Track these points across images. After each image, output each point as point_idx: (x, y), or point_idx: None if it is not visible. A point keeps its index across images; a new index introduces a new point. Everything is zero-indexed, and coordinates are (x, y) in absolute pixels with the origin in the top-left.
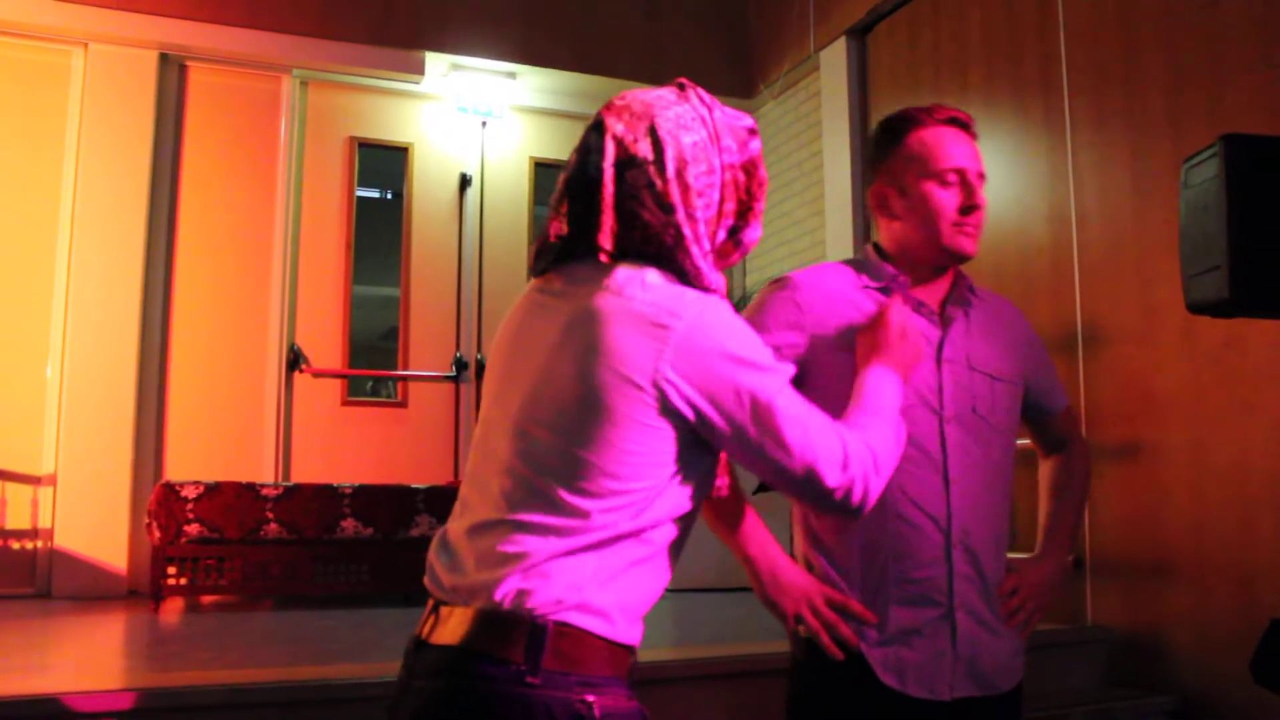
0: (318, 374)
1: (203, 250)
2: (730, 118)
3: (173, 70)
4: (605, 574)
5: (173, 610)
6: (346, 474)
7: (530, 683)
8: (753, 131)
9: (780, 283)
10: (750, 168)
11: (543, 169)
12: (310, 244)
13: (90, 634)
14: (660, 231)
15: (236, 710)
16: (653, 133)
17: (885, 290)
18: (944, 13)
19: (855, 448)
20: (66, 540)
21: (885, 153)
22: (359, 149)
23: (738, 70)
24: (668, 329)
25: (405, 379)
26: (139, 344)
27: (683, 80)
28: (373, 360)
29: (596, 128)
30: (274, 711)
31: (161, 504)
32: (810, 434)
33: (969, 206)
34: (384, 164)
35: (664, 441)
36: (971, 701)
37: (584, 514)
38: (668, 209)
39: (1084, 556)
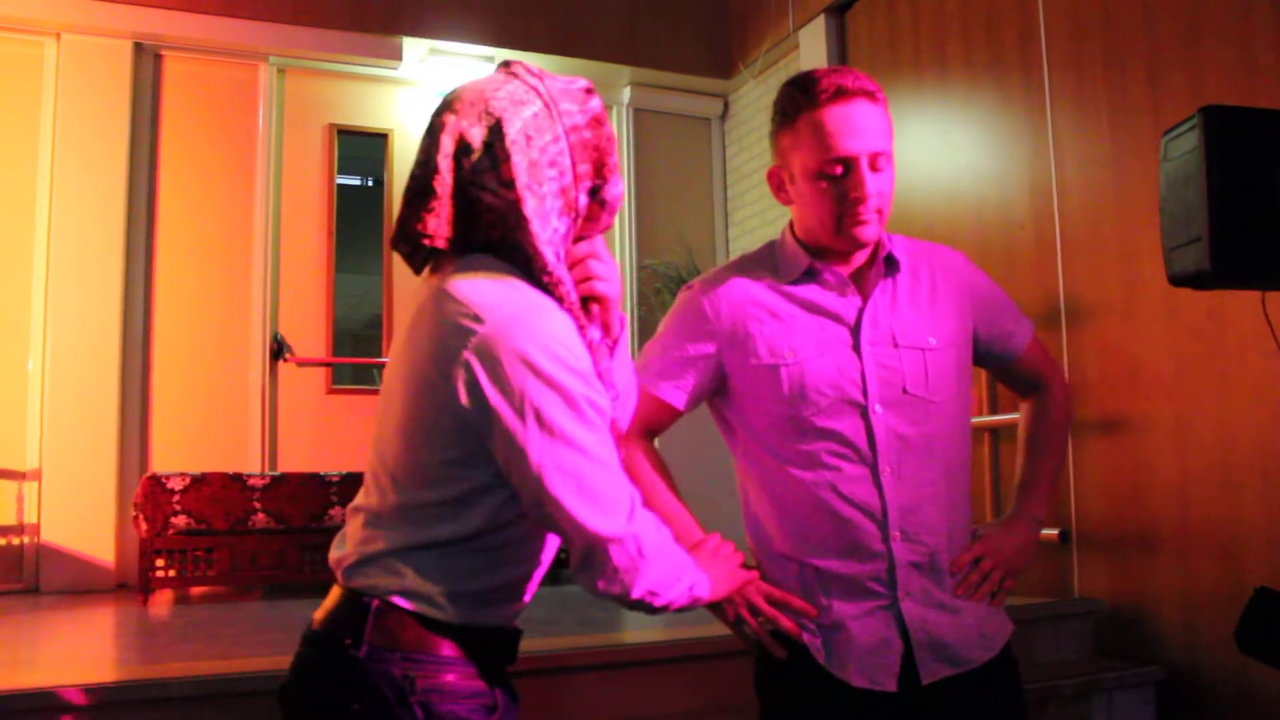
0: (302, 363)
1: (183, 241)
2: (563, 83)
3: (148, 60)
4: (440, 567)
5: (162, 602)
6: (333, 462)
7: (354, 655)
8: (589, 91)
9: (687, 289)
10: (595, 124)
11: None
12: (291, 233)
13: (80, 627)
14: (505, 213)
15: (228, 700)
16: (488, 114)
17: (802, 280)
18: None
19: (642, 513)
20: (53, 535)
21: (777, 133)
22: (338, 136)
23: (717, 50)
24: (473, 331)
25: None
26: (121, 336)
27: (506, 60)
28: (357, 348)
29: (431, 130)
30: (265, 700)
31: (148, 496)
32: (595, 471)
33: (855, 199)
34: (364, 150)
35: (469, 444)
36: (950, 681)
37: (416, 508)
38: (510, 185)
39: (1070, 530)
